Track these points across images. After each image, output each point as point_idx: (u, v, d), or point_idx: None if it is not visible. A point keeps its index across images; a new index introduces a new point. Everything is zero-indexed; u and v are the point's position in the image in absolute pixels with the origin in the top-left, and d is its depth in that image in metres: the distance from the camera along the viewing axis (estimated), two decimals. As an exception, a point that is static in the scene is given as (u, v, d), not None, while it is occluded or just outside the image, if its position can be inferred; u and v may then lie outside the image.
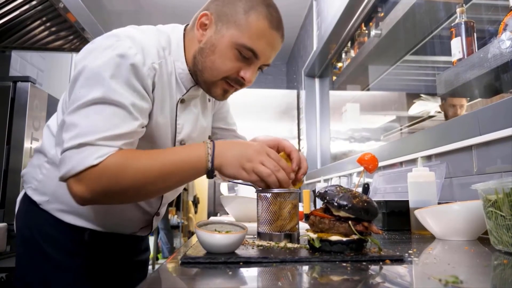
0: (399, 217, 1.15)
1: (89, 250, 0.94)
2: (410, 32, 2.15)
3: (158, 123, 0.88)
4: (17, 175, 1.79)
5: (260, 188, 0.81)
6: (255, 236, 0.82)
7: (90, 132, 0.74)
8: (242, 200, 1.20)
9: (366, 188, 1.65)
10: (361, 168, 0.84)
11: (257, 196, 0.81)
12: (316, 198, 1.85)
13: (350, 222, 0.65)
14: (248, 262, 0.58)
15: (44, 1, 1.75)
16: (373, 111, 3.44)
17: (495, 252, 0.69)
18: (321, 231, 0.67)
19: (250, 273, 0.54)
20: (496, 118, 1.03)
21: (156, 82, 0.84)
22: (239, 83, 0.90)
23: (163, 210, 1.07)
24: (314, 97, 3.65)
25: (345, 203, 0.65)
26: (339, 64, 3.15)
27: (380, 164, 1.69)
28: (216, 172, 0.81)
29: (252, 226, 0.84)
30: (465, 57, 1.30)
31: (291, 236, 0.77)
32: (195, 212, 6.05)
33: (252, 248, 0.68)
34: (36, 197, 0.93)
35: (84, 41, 2.16)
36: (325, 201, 0.68)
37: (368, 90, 3.15)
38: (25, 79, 1.87)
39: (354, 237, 0.64)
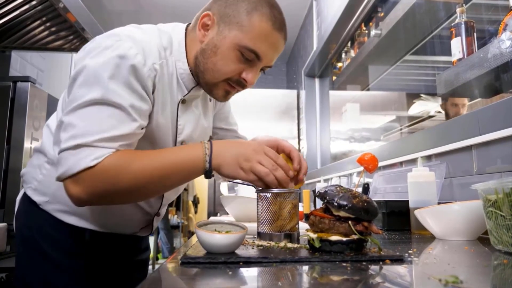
0: (399, 217, 1.15)
1: (89, 250, 0.94)
2: (410, 32, 2.15)
3: (158, 123, 0.87)
4: (17, 175, 1.79)
5: (260, 188, 0.80)
6: (255, 236, 0.82)
7: (87, 133, 0.73)
8: (242, 200, 1.20)
9: (366, 188, 1.65)
10: (361, 168, 0.84)
11: (257, 196, 0.80)
12: (316, 198, 1.85)
13: (350, 222, 0.65)
14: (248, 262, 0.58)
15: (44, 1, 1.75)
16: (373, 111, 3.44)
17: (495, 252, 0.69)
18: (321, 231, 0.67)
19: (250, 273, 0.54)
20: (496, 118, 1.03)
21: (157, 82, 0.84)
22: (241, 85, 0.89)
23: (163, 211, 1.07)
24: (314, 97, 3.65)
25: (345, 203, 0.65)
26: (339, 64, 3.15)
27: (380, 164, 1.69)
28: (214, 172, 0.81)
29: (252, 226, 0.84)
30: (465, 57, 1.30)
31: (291, 236, 0.77)
32: (195, 212, 6.05)
33: (252, 248, 0.68)
34: (36, 198, 0.93)
35: (84, 41, 2.16)
36: (325, 201, 0.68)
37: (368, 90, 3.15)
38: (25, 79, 1.87)
39: (354, 237, 0.64)
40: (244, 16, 0.83)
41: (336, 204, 0.65)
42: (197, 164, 0.79)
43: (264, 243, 0.74)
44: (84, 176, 0.73)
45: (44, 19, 1.91)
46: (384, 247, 0.70)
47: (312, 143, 3.58)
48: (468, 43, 1.31)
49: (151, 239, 4.48)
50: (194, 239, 0.96)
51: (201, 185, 5.93)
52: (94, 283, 0.95)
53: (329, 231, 0.66)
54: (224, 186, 2.63)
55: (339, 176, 2.41)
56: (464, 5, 1.39)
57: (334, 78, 3.34)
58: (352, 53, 2.82)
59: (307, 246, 0.70)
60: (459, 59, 1.32)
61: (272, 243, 0.74)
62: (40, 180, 0.93)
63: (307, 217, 0.72)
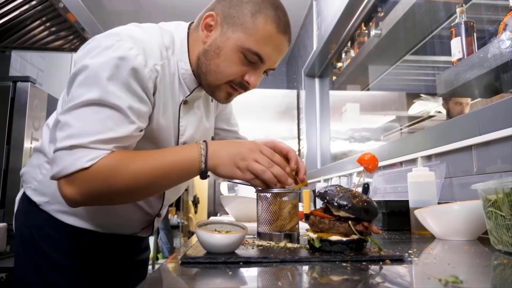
0: (399, 217, 1.15)
1: (89, 251, 0.94)
2: (410, 32, 2.15)
3: (160, 125, 0.86)
4: (17, 175, 1.79)
5: (260, 188, 0.80)
6: (255, 236, 0.82)
7: (83, 134, 0.73)
8: (242, 200, 1.20)
9: (366, 188, 1.65)
10: (361, 168, 0.84)
11: (257, 196, 0.80)
12: (316, 198, 1.85)
13: (350, 222, 0.65)
14: (248, 262, 0.58)
15: (44, 1, 1.75)
16: (373, 111, 3.44)
17: (495, 252, 0.69)
18: (321, 231, 0.67)
19: (250, 273, 0.54)
20: (496, 118, 1.03)
21: (158, 83, 0.82)
22: (244, 87, 0.88)
23: (164, 211, 1.07)
24: (314, 97, 3.65)
25: (345, 203, 0.64)
26: (339, 64, 3.15)
27: (380, 164, 1.69)
28: (210, 173, 0.81)
29: (252, 226, 0.83)
30: (465, 57, 1.30)
31: (291, 236, 0.76)
32: (195, 212, 6.05)
33: (252, 248, 0.68)
34: (35, 198, 0.93)
35: (84, 41, 2.16)
36: (325, 201, 0.68)
37: (368, 90, 3.15)
38: (25, 79, 1.87)
39: (354, 237, 0.64)
40: (248, 17, 0.82)
41: (336, 204, 0.65)
42: (192, 165, 0.78)
43: (264, 243, 0.74)
44: (79, 177, 0.72)
45: (44, 19, 1.91)
46: (384, 247, 0.70)
47: (312, 143, 3.58)
48: (468, 43, 1.31)
49: (151, 239, 4.48)
50: (194, 239, 0.96)
51: (201, 185, 5.93)
52: (94, 283, 0.94)
53: (329, 231, 0.66)
54: (224, 186, 2.63)
55: (339, 176, 2.42)
56: (464, 5, 1.39)
57: (334, 78, 3.34)
58: (352, 53, 2.82)
59: (307, 246, 0.70)
60: (459, 59, 1.32)
61: (272, 243, 0.74)
62: (40, 180, 0.93)
63: (307, 217, 0.72)
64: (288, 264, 0.58)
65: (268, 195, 0.78)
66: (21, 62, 2.53)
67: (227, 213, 1.47)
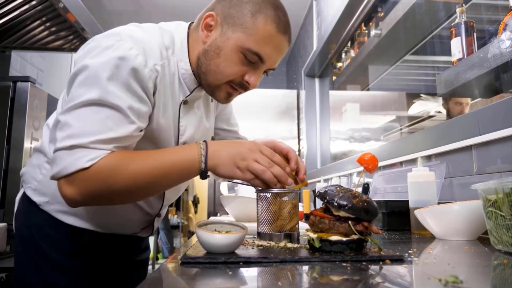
0: (399, 217, 1.15)
1: (89, 251, 0.94)
2: (410, 32, 2.15)
3: (160, 125, 0.86)
4: (17, 175, 1.79)
5: (260, 188, 0.80)
6: (255, 236, 0.82)
7: (83, 134, 0.73)
8: (242, 200, 1.20)
9: (366, 188, 1.65)
10: (361, 168, 0.84)
11: (257, 196, 0.80)
12: (316, 198, 1.85)
13: (350, 222, 0.65)
14: (248, 262, 0.58)
15: (44, 1, 1.75)
16: (373, 111, 3.45)
17: (495, 252, 0.69)
18: (321, 231, 0.67)
19: (250, 273, 0.54)
20: (496, 118, 1.03)
21: (158, 83, 0.82)
22: (244, 87, 0.88)
23: (164, 211, 1.07)
24: (314, 97, 3.65)
25: (345, 203, 0.64)
26: (339, 64, 3.15)
27: (380, 164, 1.69)
28: (209, 173, 0.81)
29: (252, 226, 0.83)
30: (465, 57, 1.30)
31: (291, 236, 0.76)
32: (195, 212, 6.05)
33: (252, 248, 0.68)
34: (35, 198, 0.93)
35: (84, 41, 2.16)
36: (325, 201, 0.68)
37: (368, 90, 3.15)
38: (25, 79, 1.87)
39: (354, 237, 0.64)
40: (248, 17, 0.82)
41: (336, 204, 0.65)
42: (192, 165, 0.78)
43: (264, 243, 0.74)
44: (79, 177, 0.72)
45: (44, 19, 1.91)
46: (384, 247, 0.70)
47: (312, 143, 3.58)
48: (468, 43, 1.31)
49: (151, 239, 4.48)
50: (194, 239, 0.96)
51: (201, 185, 5.93)
52: (94, 283, 0.94)
53: (329, 231, 0.66)
54: (224, 186, 2.63)
55: (339, 176, 2.42)
56: (464, 5, 1.39)
57: (334, 78, 3.34)
58: (352, 53, 2.82)
59: (307, 246, 0.70)
60: (459, 59, 1.32)
61: (272, 243, 0.74)
62: (40, 180, 0.93)
63: (307, 217, 0.72)
64: (288, 264, 0.58)
65: (268, 195, 0.78)
66: (21, 62, 2.53)
67: (227, 213, 1.47)
